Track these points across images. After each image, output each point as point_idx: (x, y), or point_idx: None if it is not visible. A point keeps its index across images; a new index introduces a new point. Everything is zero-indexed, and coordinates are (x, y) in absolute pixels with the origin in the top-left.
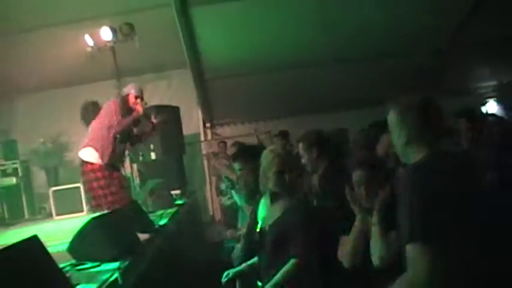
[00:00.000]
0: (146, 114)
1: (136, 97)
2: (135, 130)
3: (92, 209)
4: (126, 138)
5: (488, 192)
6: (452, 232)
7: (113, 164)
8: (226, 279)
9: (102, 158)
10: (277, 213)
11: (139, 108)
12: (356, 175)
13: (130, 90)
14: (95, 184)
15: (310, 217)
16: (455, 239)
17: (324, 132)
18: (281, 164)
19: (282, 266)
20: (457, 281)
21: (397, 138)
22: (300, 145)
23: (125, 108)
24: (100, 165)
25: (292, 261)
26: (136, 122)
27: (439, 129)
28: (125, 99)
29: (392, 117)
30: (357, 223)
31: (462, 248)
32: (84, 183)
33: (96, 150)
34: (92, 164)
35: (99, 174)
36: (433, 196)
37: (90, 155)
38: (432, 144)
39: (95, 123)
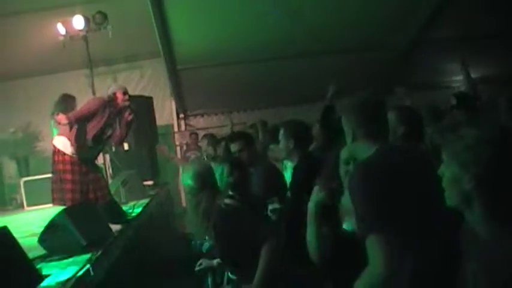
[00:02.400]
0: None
1: (124, 93)
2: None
3: (61, 201)
4: (100, 138)
5: (439, 184)
6: (406, 223)
7: (87, 159)
8: (198, 269)
9: (78, 153)
10: None
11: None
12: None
13: (117, 89)
14: (68, 176)
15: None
16: (410, 230)
17: (306, 124)
18: None
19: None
20: (417, 271)
21: (346, 137)
22: (281, 131)
23: (113, 105)
24: (75, 159)
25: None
26: (110, 121)
27: (384, 125)
28: (112, 98)
29: (342, 116)
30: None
31: (418, 237)
32: (55, 173)
33: (71, 143)
34: (65, 154)
35: (75, 167)
36: (383, 190)
37: (64, 144)
38: (379, 140)
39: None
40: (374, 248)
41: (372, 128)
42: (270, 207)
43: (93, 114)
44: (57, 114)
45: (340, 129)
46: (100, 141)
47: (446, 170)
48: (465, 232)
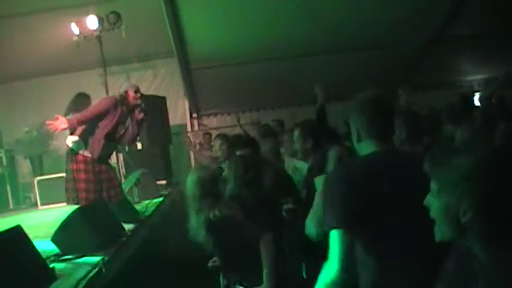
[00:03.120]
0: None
1: (135, 91)
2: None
3: (74, 200)
4: (113, 137)
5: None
6: (375, 225)
7: (100, 158)
8: (212, 265)
9: (92, 152)
10: None
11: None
12: None
13: (129, 87)
14: (82, 176)
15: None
16: (377, 233)
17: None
18: None
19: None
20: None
21: (352, 136)
22: (296, 132)
23: (125, 104)
24: (88, 158)
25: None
26: (123, 119)
27: (389, 125)
28: (123, 96)
29: (352, 111)
30: None
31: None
32: (69, 172)
33: (84, 142)
34: (78, 154)
35: (89, 167)
36: (357, 190)
37: (77, 144)
38: (384, 140)
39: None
40: (337, 241)
41: (376, 127)
42: (285, 207)
43: (105, 113)
44: (57, 118)
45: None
46: (113, 140)
47: (436, 201)
48: (464, 253)
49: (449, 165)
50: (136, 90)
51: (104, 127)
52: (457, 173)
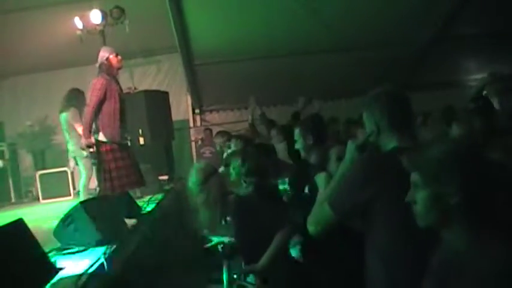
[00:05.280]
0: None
1: (116, 55)
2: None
3: (108, 190)
4: (124, 116)
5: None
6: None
7: (122, 143)
8: (210, 245)
9: (112, 138)
10: None
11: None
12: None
13: (109, 53)
14: (112, 165)
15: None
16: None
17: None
18: None
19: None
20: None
21: (368, 131)
22: (297, 130)
23: (111, 72)
24: (115, 146)
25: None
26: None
27: (408, 117)
28: (108, 64)
29: (364, 110)
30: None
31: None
32: (101, 163)
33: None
34: (106, 143)
35: (117, 154)
36: (367, 182)
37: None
38: (403, 132)
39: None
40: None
41: (397, 120)
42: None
43: (105, 94)
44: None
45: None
46: (125, 120)
47: (421, 192)
48: (443, 251)
49: (429, 157)
50: (116, 53)
51: (114, 109)
52: (439, 162)
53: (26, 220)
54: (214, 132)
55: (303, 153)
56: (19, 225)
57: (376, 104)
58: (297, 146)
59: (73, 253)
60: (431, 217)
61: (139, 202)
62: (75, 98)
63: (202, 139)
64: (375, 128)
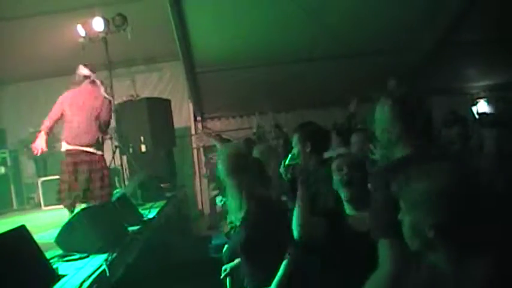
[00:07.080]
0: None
1: (85, 65)
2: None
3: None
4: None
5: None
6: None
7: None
8: (224, 275)
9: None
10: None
11: None
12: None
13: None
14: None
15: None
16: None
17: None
18: None
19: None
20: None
21: (384, 133)
22: (295, 137)
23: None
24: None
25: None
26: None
27: (423, 122)
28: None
29: (383, 110)
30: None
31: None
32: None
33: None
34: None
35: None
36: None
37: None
38: (418, 141)
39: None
40: (388, 251)
41: (410, 125)
42: None
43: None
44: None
45: None
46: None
47: (405, 218)
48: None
49: (411, 188)
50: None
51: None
52: (419, 196)
53: (28, 227)
54: None
55: (301, 160)
56: (21, 232)
57: (389, 110)
58: (295, 152)
59: (75, 260)
60: (414, 242)
61: (141, 209)
62: None
63: (207, 146)
64: (386, 135)
